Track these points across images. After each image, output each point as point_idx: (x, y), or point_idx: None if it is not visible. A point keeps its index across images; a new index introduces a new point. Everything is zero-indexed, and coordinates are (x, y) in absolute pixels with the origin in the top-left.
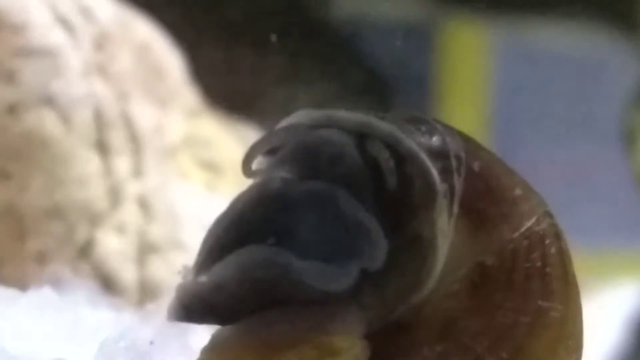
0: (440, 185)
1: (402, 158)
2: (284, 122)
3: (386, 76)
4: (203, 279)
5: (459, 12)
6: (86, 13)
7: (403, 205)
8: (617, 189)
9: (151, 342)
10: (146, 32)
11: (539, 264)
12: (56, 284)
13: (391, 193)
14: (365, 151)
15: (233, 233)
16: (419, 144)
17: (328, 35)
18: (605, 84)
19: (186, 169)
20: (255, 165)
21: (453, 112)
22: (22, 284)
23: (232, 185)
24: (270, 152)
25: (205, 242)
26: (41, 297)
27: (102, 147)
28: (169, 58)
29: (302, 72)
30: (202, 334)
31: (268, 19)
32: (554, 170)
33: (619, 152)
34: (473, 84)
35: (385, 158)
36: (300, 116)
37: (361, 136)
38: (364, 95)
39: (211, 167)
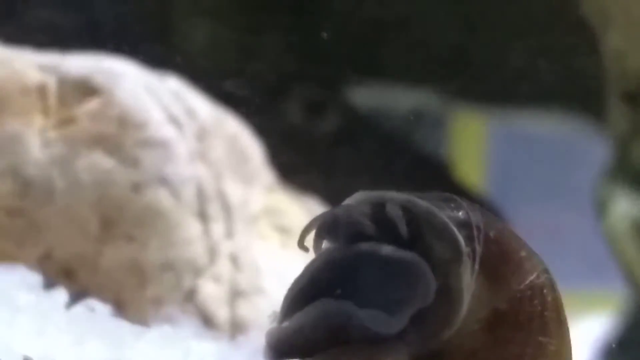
0: (465, 249)
1: (436, 229)
2: (346, 201)
3: (410, 156)
4: (286, 324)
5: (465, 105)
6: (190, 112)
7: (434, 265)
8: (590, 247)
9: None
10: (234, 126)
11: (539, 308)
12: (168, 321)
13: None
14: (383, 217)
15: (308, 290)
16: (449, 217)
17: (370, 128)
18: (580, 162)
19: (265, 232)
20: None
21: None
22: (143, 323)
23: None
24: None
25: (287, 296)
26: (161, 332)
27: (203, 216)
28: (251, 147)
29: (352, 158)
30: None
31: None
32: (538, 231)
33: (592, 217)
34: (475, 161)
35: (393, 209)
36: (357, 197)
37: (381, 205)
38: (405, 176)
39: (284, 231)
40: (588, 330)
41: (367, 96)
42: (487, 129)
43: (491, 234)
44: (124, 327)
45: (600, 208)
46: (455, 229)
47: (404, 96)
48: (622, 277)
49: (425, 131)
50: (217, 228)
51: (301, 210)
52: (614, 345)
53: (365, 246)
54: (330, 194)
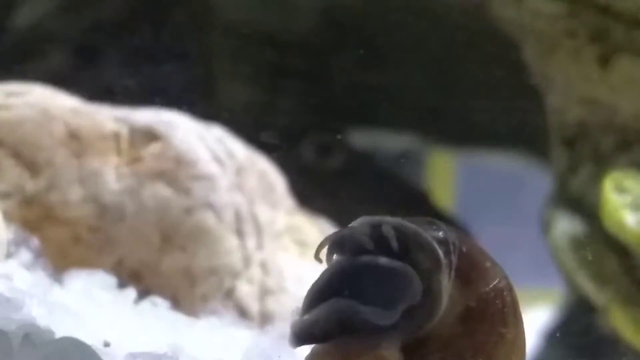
0: (443, 260)
1: (420, 245)
2: (352, 224)
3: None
4: (306, 317)
5: (440, 147)
6: (230, 153)
7: (420, 272)
8: (537, 254)
9: (279, 357)
10: (263, 164)
11: (500, 306)
12: (213, 314)
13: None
14: (380, 236)
15: (323, 291)
16: (431, 236)
17: (367, 165)
18: (529, 191)
19: (287, 245)
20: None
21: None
22: (194, 315)
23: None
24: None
25: (306, 296)
26: (208, 322)
27: (240, 233)
28: (276, 179)
29: (353, 188)
30: (304, 348)
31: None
32: (497, 243)
33: (538, 232)
34: (447, 190)
35: (387, 230)
36: (360, 220)
37: (378, 226)
38: (395, 202)
39: (302, 244)
40: (535, 320)
41: (364, 140)
42: (456, 166)
43: (464, 249)
44: (179, 318)
45: (545, 226)
46: (436, 245)
47: (393, 140)
48: (561, 278)
49: (409, 167)
50: (250, 242)
51: (315, 228)
52: (557, 334)
53: (366, 258)
54: (336, 216)
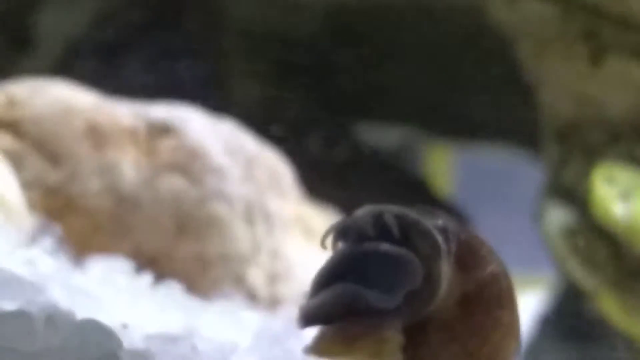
0: (443, 247)
1: (421, 232)
2: (355, 212)
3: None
4: (313, 301)
5: (438, 141)
6: (240, 146)
7: (420, 258)
8: (530, 243)
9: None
10: (272, 156)
11: (496, 291)
12: (225, 297)
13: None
14: (382, 224)
15: (328, 276)
16: (431, 224)
17: (371, 157)
18: (523, 182)
19: (295, 233)
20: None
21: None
22: (207, 298)
23: None
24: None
25: (313, 281)
26: (220, 305)
27: (250, 221)
28: (285, 171)
29: (357, 179)
30: (311, 329)
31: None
32: (493, 232)
33: (532, 222)
34: (445, 181)
35: (389, 218)
36: (365, 209)
37: (381, 215)
38: (396, 192)
39: (309, 232)
40: (528, 304)
41: (368, 134)
42: (453, 158)
43: (462, 236)
44: (193, 301)
45: (538, 216)
46: (435, 233)
47: (394, 133)
48: (553, 265)
49: (409, 159)
50: (260, 230)
51: (322, 217)
52: (549, 318)
53: (369, 245)
54: (342, 205)
